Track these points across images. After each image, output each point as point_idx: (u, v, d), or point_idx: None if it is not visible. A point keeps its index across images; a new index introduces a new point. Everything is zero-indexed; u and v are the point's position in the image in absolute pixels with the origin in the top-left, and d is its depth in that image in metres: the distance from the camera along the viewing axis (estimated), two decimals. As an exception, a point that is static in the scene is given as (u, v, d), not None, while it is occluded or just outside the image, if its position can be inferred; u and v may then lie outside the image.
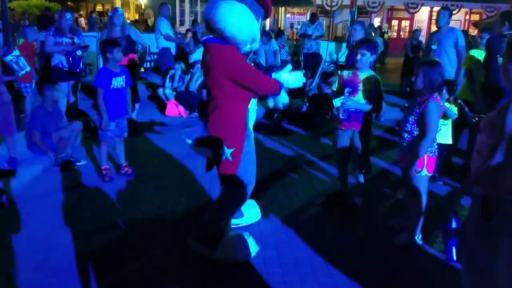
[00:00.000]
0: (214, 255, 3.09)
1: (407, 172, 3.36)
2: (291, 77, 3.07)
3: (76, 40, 6.17)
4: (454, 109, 4.42)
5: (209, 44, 2.87)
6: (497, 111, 2.01)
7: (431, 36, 6.48)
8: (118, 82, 4.43)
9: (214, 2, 2.77)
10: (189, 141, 3.05)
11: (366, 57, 3.79)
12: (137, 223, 3.69)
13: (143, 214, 3.85)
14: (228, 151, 2.92)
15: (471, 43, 5.31)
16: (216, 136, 2.93)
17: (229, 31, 2.74)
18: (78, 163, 4.98)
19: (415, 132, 3.25)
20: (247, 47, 2.94)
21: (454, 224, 2.17)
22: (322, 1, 17.55)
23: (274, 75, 3.06)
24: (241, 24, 2.74)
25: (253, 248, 3.20)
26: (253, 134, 3.24)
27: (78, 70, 6.29)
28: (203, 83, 7.75)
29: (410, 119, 3.28)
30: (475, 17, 22.72)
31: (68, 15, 6.20)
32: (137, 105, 6.73)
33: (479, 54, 4.99)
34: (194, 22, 17.76)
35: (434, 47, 5.93)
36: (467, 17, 23.27)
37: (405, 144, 3.35)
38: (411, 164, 3.24)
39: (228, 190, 3.15)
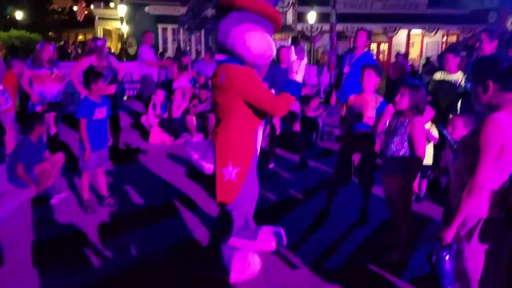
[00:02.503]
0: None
1: (393, 193, 3.39)
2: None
3: (54, 70, 6.12)
4: (435, 132, 4.50)
5: (224, 64, 2.87)
6: (471, 133, 2.07)
7: (343, 56, 6.12)
8: (101, 112, 4.40)
9: (226, 24, 2.81)
10: (195, 155, 2.99)
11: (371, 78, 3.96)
12: (121, 255, 3.60)
13: (127, 245, 3.77)
14: (233, 170, 2.88)
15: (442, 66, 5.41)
16: (223, 154, 2.89)
17: (238, 50, 2.77)
18: (60, 195, 4.89)
19: (400, 153, 3.28)
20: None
21: (447, 265, 2.17)
22: (303, 27, 17.92)
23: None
24: (249, 44, 2.76)
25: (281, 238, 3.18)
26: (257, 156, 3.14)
27: (58, 100, 6.25)
28: (186, 109, 7.77)
29: (395, 139, 3.30)
30: (453, 39, 23.42)
31: (51, 47, 6.19)
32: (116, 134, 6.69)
33: (442, 75, 5.15)
34: (178, 50, 17.88)
35: (345, 71, 5.75)
36: (445, 38, 23.97)
37: (389, 165, 3.38)
38: (405, 185, 3.27)
39: (227, 213, 3.03)
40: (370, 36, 5.76)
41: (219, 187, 2.90)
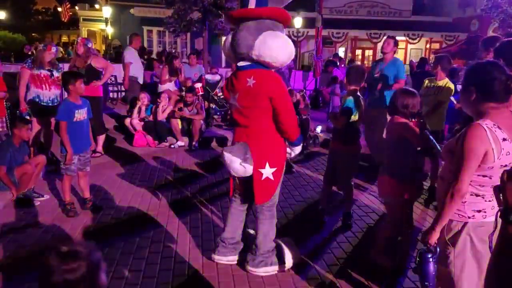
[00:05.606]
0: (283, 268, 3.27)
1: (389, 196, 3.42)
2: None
3: (54, 73, 5.91)
4: None
5: (250, 70, 2.96)
6: (456, 138, 2.08)
7: (374, 64, 6.54)
8: (81, 114, 4.32)
9: (245, 36, 2.92)
10: (236, 160, 2.99)
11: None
12: (104, 259, 3.53)
13: (109, 249, 3.70)
14: (270, 170, 3.01)
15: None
16: (259, 155, 3.00)
17: (266, 60, 2.91)
18: (41, 198, 4.79)
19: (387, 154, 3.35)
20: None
21: (430, 267, 2.18)
22: (289, 32, 18.02)
23: None
24: (277, 54, 2.92)
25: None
26: None
27: (55, 104, 6.02)
28: (171, 112, 7.71)
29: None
30: (436, 46, 23.76)
31: (54, 49, 6.01)
32: (101, 137, 6.62)
33: (428, 83, 5.25)
34: (167, 53, 17.77)
35: (376, 76, 6.00)
36: (428, 45, 24.31)
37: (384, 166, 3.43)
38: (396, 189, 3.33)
39: (265, 210, 3.21)
40: (397, 43, 6.10)
41: (257, 187, 3.04)
